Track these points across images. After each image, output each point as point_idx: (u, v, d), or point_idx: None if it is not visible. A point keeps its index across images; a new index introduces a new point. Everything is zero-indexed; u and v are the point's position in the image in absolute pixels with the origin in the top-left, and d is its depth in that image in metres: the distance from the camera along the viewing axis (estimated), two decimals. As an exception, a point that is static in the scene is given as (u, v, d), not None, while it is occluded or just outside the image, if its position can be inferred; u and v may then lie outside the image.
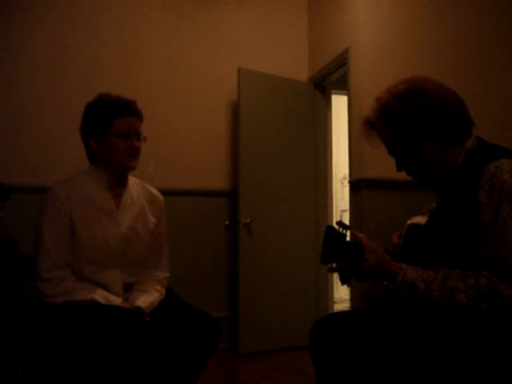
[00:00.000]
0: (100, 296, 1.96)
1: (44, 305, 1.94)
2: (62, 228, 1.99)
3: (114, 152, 2.05)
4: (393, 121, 1.53)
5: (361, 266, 1.41)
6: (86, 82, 3.83)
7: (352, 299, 3.67)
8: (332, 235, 1.45)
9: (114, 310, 1.92)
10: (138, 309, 1.97)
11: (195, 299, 2.31)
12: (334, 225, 1.48)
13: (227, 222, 4.12)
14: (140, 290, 2.10)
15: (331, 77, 4.24)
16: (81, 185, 2.08)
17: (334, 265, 1.51)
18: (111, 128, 2.04)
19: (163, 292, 2.16)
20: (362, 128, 1.65)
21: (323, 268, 4.17)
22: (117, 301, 1.99)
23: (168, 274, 2.24)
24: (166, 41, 4.17)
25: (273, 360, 3.68)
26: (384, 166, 3.29)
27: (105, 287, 2.02)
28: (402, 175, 3.19)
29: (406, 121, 1.51)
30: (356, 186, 3.57)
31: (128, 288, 2.11)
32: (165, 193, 3.68)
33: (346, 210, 5.38)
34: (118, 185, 2.13)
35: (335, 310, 4.43)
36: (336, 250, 1.44)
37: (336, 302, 4.84)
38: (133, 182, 2.21)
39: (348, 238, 1.48)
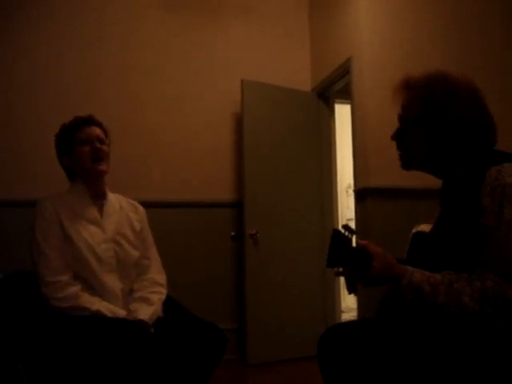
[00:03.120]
0: (105, 308, 1.98)
1: (50, 317, 1.96)
2: (56, 235, 2.08)
3: (81, 159, 2.19)
4: (427, 98, 1.54)
5: (367, 272, 1.41)
6: (86, 95, 3.86)
7: (359, 308, 3.66)
8: (338, 239, 1.45)
9: (118, 322, 1.94)
10: (141, 322, 1.98)
11: (203, 310, 2.31)
12: (340, 228, 1.48)
13: (233, 233, 4.12)
14: (140, 299, 2.13)
15: (334, 86, 4.25)
16: (65, 199, 2.20)
17: (341, 269, 1.52)
18: (74, 142, 2.20)
19: (164, 292, 2.22)
20: (398, 83, 1.63)
21: (330, 277, 4.17)
22: (122, 313, 2.02)
23: (164, 276, 2.32)
24: (169, 52, 4.20)
25: (281, 370, 3.67)
26: (388, 174, 3.31)
27: (105, 291, 2.07)
28: (407, 183, 3.17)
29: (439, 111, 1.51)
30: (361, 194, 3.58)
31: (127, 293, 2.16)
32: (171, 205, 3.71)
33: (351, 219, 5.37)
34: (98, 197, 2.25)
35: (343, 320, 4.41)
36: (342, 254, 1.44)
37: (343, 312, 4.82)
38: (112, 195, 2.34)
39: (354, 244, 1.48)
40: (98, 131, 2.23)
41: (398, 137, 1.64)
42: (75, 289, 2.00)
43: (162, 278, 2.29)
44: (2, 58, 3.78)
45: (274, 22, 4.49)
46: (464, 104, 1.50)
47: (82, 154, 2.18)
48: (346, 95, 4.12)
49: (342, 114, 4.97)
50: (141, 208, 2.41)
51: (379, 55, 3.60)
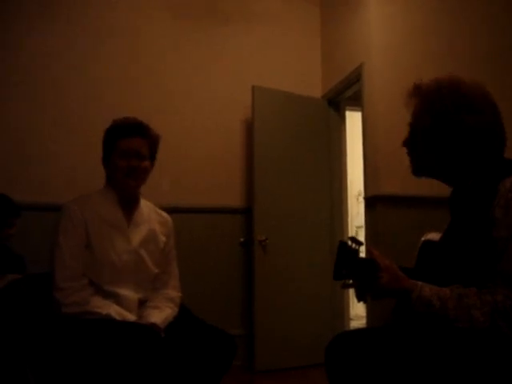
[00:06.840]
0: (115, 312, 1.98)
1: (59, 321, 1.96)
2: (78, 240, 2.04)
3: (115, 172, 2.13)
4: (437, 109, 1.52)
5: (375, 283, 1.41)
6: (92, 102, 3.87)
7: (368, 316, 3.63)
8: (345, 251, 1.44)
9: (129, 326, 1.94)
10: (153, 325, 1.98)
11: (211, 316, 2.31)
12: (347, 240, 1.48)
13: (242, 239, 4.12)
14: (152, 306, 2.12)
15: (345, 93, 4.25)
16: (93, 203, 2.14)
17: (351, 281, 1.51)
18: (115, 150, 2.12)
19: (176, 310, 2.18)
20: (410, 89, 1.61)
21: (339, 285, 4.13)
22: (131, 318, 2.01)
23: (180, 294, 2.27)
24: (179, 59, 4.21)
25: (289, 378, 3.65)
26: (399, 182, 3.30)
27: (120, 301, 2.05)
28: (418, 191, 3.15)
29: (446, 111, 1.50)
30: (371, 202, 3.56)
31: (141, 304, 2.14)
32: (180, 210, 3.70)
33: (361, 227, 5.34)
34: (129, 204, 2.19)
35: (352, 327, 4.38)
36: (348, 266, 1.44)
37: (352, 319, 4.79)
38: (144, 204, 2.27)
39: (361, 254, 1.47)
40: (140, 144, 2.13)
41: (408, 143, 1.63)
42: (85, 294, 1.99)
43: (177, 295, 2.25)
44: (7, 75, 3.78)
45: (285, 28, 4.50)
46: (476, 113, 1.47)
47: (117, 166, 2.10)
48: (356, 102, 4.12)
49: (353, 120, 4.96)
50: (169, 220, 2.34)
51: (390, 62, 3.60)
